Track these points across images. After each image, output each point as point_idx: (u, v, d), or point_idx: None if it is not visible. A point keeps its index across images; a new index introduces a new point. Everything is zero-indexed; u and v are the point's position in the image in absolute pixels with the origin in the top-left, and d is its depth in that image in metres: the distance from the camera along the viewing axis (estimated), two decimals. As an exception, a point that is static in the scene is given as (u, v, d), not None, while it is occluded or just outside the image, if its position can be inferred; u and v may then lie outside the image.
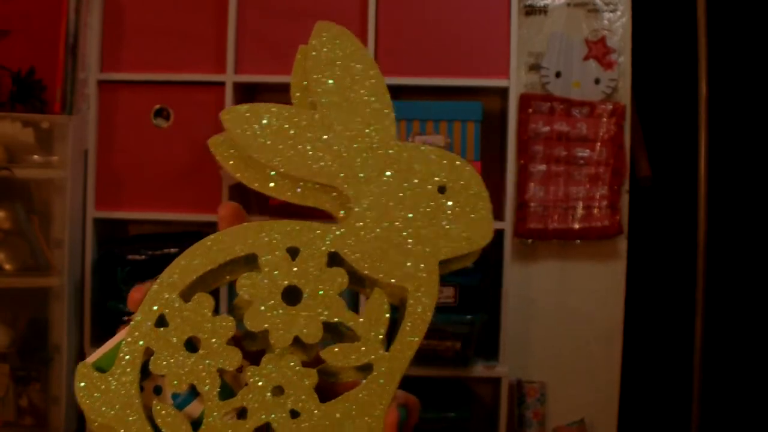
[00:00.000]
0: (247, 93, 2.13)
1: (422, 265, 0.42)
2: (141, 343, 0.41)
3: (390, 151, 0.43)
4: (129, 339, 0.41)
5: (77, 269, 2.05)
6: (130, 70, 2.08)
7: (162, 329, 0.41)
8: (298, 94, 0.45)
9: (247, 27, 2.05)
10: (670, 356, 2.42)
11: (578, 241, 2.07)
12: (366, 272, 0.42)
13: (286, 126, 0.43)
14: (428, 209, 0.43)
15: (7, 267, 1.95)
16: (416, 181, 0.43)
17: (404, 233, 0.42)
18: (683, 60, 2.30)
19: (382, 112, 0.43)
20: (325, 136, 0.43)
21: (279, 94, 1.91)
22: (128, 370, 0.41)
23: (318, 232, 0.42)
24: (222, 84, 2.04)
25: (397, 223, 0.42)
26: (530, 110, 2.06)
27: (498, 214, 2.09)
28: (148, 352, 0.41)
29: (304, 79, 0.44)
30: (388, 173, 0.43)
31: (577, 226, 2.06)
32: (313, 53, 0.43)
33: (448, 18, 2.05)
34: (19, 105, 1.99)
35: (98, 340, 2.03)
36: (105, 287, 2.07)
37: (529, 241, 2.08)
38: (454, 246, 0.43)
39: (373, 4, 2.02)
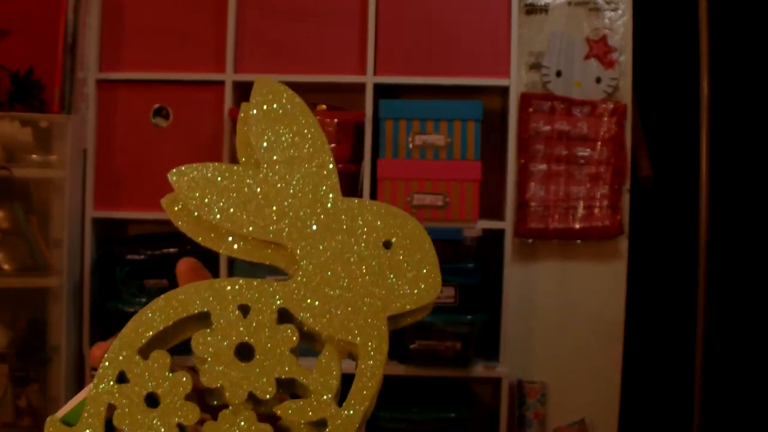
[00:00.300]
0: (247, 92, 2.11)
1: (371, 321, 0.42)
2: (103, 398, 0.42)
3: (334, 207, 0.43)
4: (92, 394, 0.42)
5: (76, 269, 2.05)
6: (129, 69, 2.08)
7: (122, 385, 0.42)
8: (243, 151, 0.45)
9: (247, 26, 2.05)
10: (672, 356, 2.41)
11: (579, 241, 2.07)
12: (315, 329, 0.42)
13: (233, 185, 0.43)
14: (375, 264, 0.43)
15: (6, 267, 1.94)
16: (362, 236, 0.43)
17: (351, 289, 0.42)
18: (685, 59, 2.30)
19: (324, 168, 0.44)
20: (270, 194, 0.43)
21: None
22: (92, 424, 0.42)
23: (268, 289, 0.42)
24: (221, 83, 2.04)
25: (343, 279, 0.43)
26: (531, 109, 2.06)
27: (498, 213, 2.09)
28: (113, 407, 0.42)
29: (249, 137, 0.44)
30: (333, 228, 0.43)
31: (577, 225, 2.06)
32: (254, 111, 0.44)
33: (448, 17, 2.04)
34: (18, 104, 1.99)
35: (97, 341, 2.02)
36: (104, 287, 2.07)
37: (530, 240, 2.07)
38: (402, 302, 0.43)
39: (373, 4, 2.01)
